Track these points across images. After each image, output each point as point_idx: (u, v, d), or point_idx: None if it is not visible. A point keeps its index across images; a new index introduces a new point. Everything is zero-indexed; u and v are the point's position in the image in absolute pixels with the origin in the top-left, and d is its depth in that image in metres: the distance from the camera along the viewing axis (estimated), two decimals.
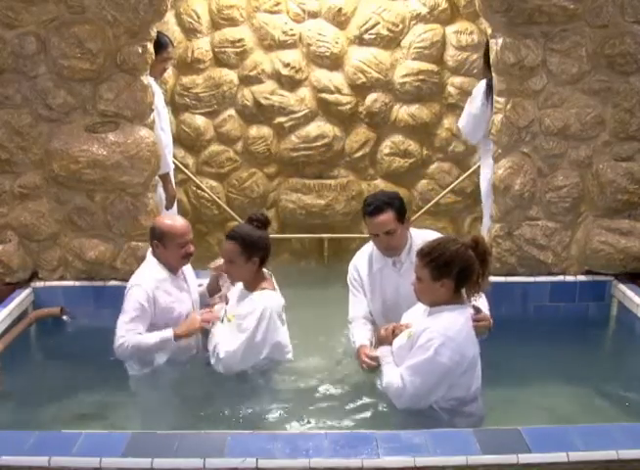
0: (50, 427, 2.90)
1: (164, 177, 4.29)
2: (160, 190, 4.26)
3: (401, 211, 3.29)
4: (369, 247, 3.52)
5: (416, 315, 2.96)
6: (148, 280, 3.34)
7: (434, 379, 2.69)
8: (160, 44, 4.06)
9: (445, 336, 2.67)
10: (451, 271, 2.70)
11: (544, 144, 3.90)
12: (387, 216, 3.24)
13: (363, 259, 3.52)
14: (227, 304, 3.35)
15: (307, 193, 5.18)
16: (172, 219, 3.48)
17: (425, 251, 2.77)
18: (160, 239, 3.36)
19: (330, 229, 5.24)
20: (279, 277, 3.60)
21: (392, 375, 2.79)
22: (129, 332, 3.23)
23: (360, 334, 3.34)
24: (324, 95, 5.03)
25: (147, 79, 3.81)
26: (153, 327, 3.29)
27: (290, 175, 5.22)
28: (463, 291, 2.79)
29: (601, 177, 3.91)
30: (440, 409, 2.77)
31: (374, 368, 3.06)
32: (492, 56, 3.87)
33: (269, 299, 3.19)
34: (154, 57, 3.86)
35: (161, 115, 4.29)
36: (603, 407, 3.08)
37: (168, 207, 4.43)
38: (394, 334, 2.96)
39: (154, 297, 3.31)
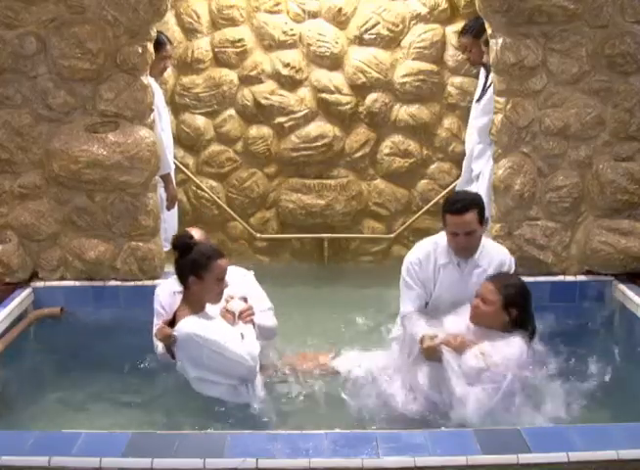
0: (50, 427, 2.91)
1: (166, 177, 4.29)
2: (161, 190, 4.26)
3: (482, 213, 3.34)
4: (429, 242, 3.50)
5: (459, 327, 3.14)
6: (164, 287, 3.44)
7: (499, 405, 2.91)
8: (159, 42, 4.07)
9: (517, 367, 2.96)
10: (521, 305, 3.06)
11: (544, 144, 3.90)
12: (471, 216, 3.26)
13: (424, 254, 3.46)
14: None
15: (307, 193, 5.18)
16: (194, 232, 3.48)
17: (505, 281, 3.13)
18: None
19: (330, 229, 5.24)
20: (279, 277, 3.61)
21: (467, 396, 2.91)
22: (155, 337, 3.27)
23: (421, 327, 3.27)
24: (324, 95, 5.03)
25: (147, 79, 3.81)
26: None
27: (290, 175, 5.22)
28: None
29: (601, 177, 3.90)
30: None
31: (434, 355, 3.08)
32: (492, 56, 3.87)
33: None
34: (153, 57, 3.86)
35: (162, 115, 4.29)
36: (603, 407, 3.08)
37: (170, 207, 4.42)
38: (460, 348, 3.05)
39: (169, 304, 3.33)
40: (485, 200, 4.21)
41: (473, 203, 3.31)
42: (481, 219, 3.32)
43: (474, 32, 4.37)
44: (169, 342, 3.05)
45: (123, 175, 3.80)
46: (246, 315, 3.17)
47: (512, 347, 3.00)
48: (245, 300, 3.23)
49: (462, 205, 3.28)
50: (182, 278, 3.05)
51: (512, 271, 3.42)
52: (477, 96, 4.53)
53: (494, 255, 3.44)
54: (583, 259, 4.05)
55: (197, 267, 2.99)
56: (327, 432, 2.51)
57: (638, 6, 3.71)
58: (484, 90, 4.38)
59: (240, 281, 3.40)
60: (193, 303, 3.06)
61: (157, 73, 4.27)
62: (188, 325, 2.97)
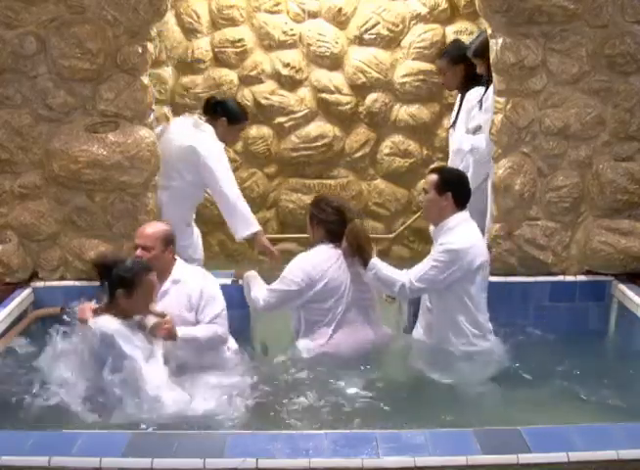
0: (50, 427, 2.90)
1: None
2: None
3: (442, 183, 3.39)
4: None
5: None
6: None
7: (288, 301, 3.54)
8: (244, 116, 4.19)
9: (297, 267, 3.52)
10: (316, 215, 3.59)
11: (544, 144, 3.90)
12: (429, 177, 3.49)
13: None
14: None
15: (307, 193, 5.19)
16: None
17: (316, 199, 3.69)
18: None
19: None
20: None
21: (258, 292, 3.61)
22: None
23: None
24: (324, 95, 5.04)
25: (147, 79, 3.81)
26: None
27: (290, 175, 5.23)
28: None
29: (601, 177, 3.90)
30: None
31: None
32: (492, 56, 3.87)
33: None
34: (227, 123, 4.08)
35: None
36: (603, 407, 3.08)
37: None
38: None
39: None
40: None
41: (436, 169, 3.62)
42: (439, 187, 3.38)
43: (449, 57, 4.47)
44: (83, 326, 3.08)
45: (123, 175, 3.80)
46: (160, 330, 3.13)
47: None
48: (162, 315, 3.21)
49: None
50: (111, 293, 3.11)
51: (435, 261, 3.32)
52: (452, 120, 4.53)
53: (452, 239, 3.33)
54: (583, 259, 4.05)
55: (125, 284, 3.07)
56: (327, 432, 2.51)
57: (638, 6, 3.72)
58: (458, 115, 4.41)
59: (197, 283, 3.44)
60: (119, 311, 3.10)
61: (228, 141, 4.28)
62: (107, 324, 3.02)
